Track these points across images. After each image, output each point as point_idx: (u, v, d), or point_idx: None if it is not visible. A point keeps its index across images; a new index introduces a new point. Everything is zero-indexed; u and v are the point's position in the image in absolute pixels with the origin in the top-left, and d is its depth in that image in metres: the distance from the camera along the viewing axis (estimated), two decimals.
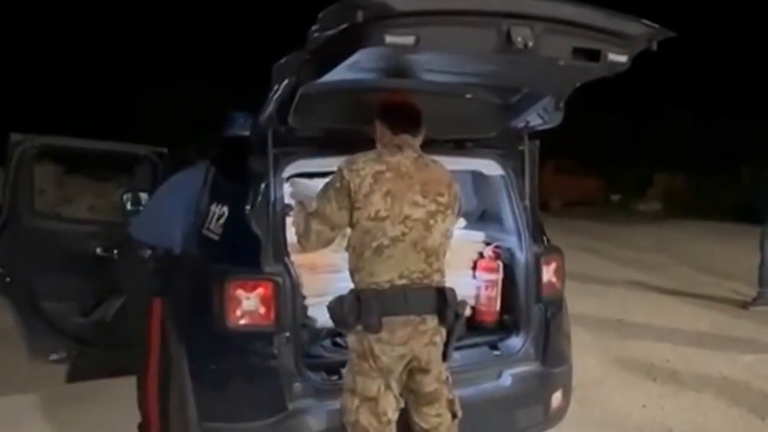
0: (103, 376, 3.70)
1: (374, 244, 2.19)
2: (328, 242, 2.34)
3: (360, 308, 2.17)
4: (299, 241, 2.37)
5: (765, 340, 5.19)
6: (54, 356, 3.57)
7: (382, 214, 2.18)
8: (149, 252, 3.04)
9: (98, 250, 3.50)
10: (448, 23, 1.89)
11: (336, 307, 2.24)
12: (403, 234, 2.19)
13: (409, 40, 1.83)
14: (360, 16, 1.75)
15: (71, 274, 3.49)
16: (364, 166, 2.23)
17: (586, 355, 3.48)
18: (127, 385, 3.36)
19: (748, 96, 20.55)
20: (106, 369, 3.65)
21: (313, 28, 1.92)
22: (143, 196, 3.91)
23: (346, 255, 2.32)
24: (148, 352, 2.97)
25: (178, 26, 23.33)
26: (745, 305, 6.32)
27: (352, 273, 2.27)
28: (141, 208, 3.85)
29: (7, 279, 3.41)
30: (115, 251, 3.31)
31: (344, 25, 1.83)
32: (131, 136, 4.57)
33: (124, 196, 3.97)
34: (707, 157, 19.22)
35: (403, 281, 2.20)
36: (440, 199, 2.26)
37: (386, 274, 2.19)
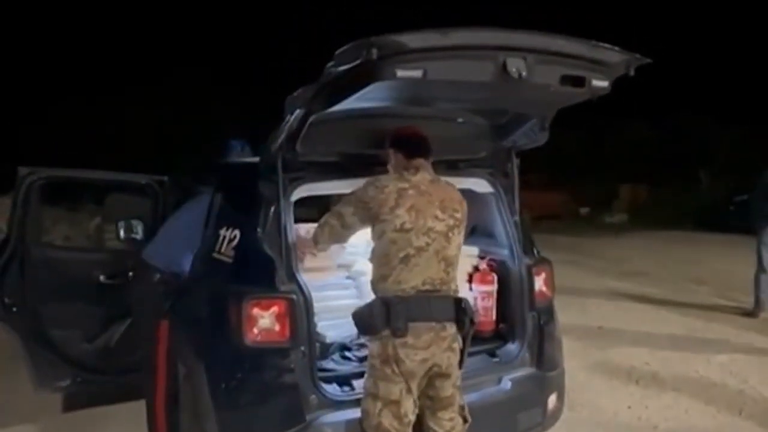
0: (108, 402, 3.75)
1: (401, 254, 2.37)
2: (337, 240, 2.65)
3: (388, 314, 2.33)
4: (315, 233, 2.63)
5: (735, 341, 5.47)
6: (60, 384, 3.61)
7: (407, 226, 2.38)
8: (158, 276, 3.14)
9: (102, 278, 3.59)
10: (452, 57, 2.09)
11: (364, 314, 2.40)
12: (427, 244, 2.39)
13: (417, 73, 2.04)
14: (375, 53, 1.93)
15: (77, 302, 3.57)
16: (388, 183, 2.44)
17: (571, 361, 3.66)
18: (133, 410, 3.42)
19: (700, 102, 21.08)
20: (111, 395, 3.71)
21: (329, 64, 2.09)
22: (135, 223, 4.00)
23: None
24: (155, 373, 3.06)
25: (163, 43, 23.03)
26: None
27: (377, 282, 2.44)
28: (134, 235, 3.94)
29: (14, 309, 3.47)
30: (130, 274, 3.39)
31: (358, 61, 2.01)
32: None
33: (118, 224, 4.05)
34: (666, 166, 19.74)
35: (426, 287, 2.39)
36: (456, 215, 2.49)
37: (412, 281, 2.38)
